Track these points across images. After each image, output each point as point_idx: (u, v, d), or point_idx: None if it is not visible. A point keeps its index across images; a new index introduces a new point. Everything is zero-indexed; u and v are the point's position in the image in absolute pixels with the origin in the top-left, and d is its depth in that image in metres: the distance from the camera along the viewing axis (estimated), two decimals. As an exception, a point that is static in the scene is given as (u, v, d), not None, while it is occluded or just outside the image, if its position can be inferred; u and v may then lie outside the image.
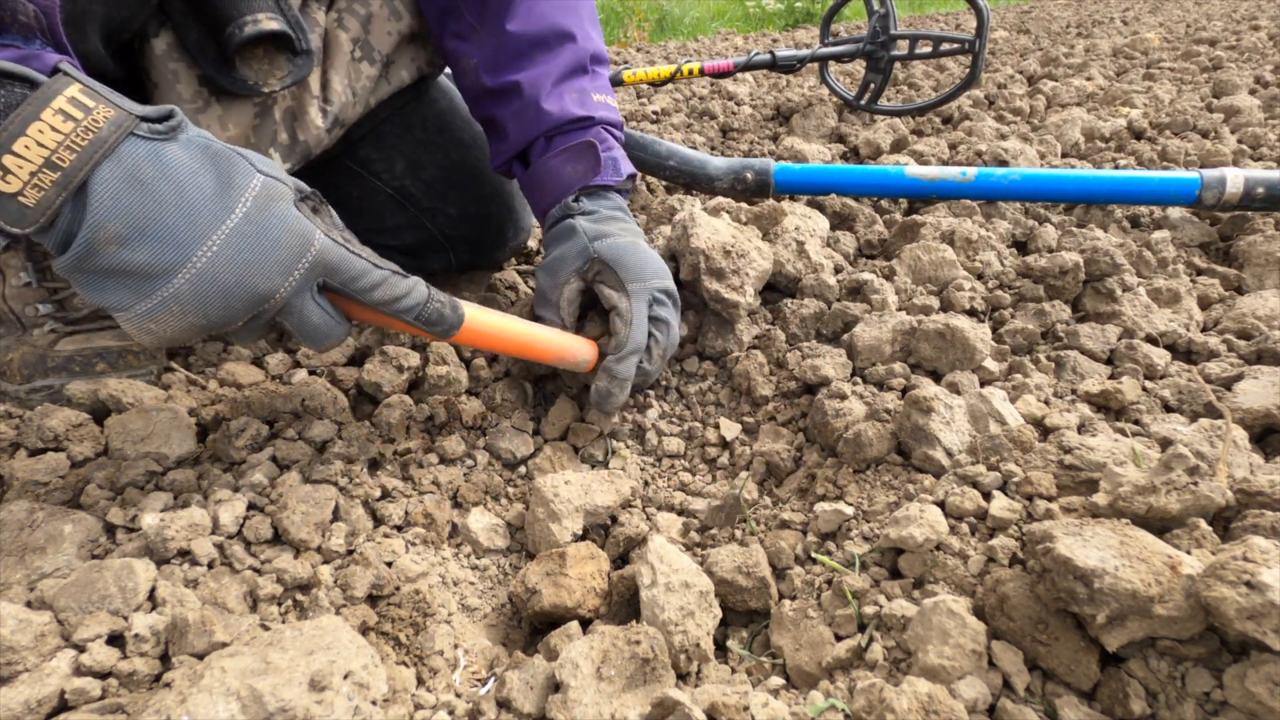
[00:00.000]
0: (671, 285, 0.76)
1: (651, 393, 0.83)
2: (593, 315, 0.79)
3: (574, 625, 0.54)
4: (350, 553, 0.58)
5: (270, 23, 0.66)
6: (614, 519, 0.66)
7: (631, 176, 0.85)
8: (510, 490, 0.71)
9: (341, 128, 0.82)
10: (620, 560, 0.64)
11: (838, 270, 0.94)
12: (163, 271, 0.46)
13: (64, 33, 0.50)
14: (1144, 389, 0.71)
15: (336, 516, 0.60)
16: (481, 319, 0.65)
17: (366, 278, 0.55)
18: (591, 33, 0.87)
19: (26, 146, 0.41)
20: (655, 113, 1.75)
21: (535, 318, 0.77)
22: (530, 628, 0.60)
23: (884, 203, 1.14)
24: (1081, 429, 0.64)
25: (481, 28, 0.84)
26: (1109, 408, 0.68)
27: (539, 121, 0.82)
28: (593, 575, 0.58)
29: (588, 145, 0.80)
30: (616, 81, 1.59)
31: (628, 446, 0.76)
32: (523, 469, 0.73)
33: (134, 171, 0.45)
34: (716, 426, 0.78)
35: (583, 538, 0.65)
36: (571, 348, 0.71)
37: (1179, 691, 0.43)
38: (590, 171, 0.80)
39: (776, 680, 0.51)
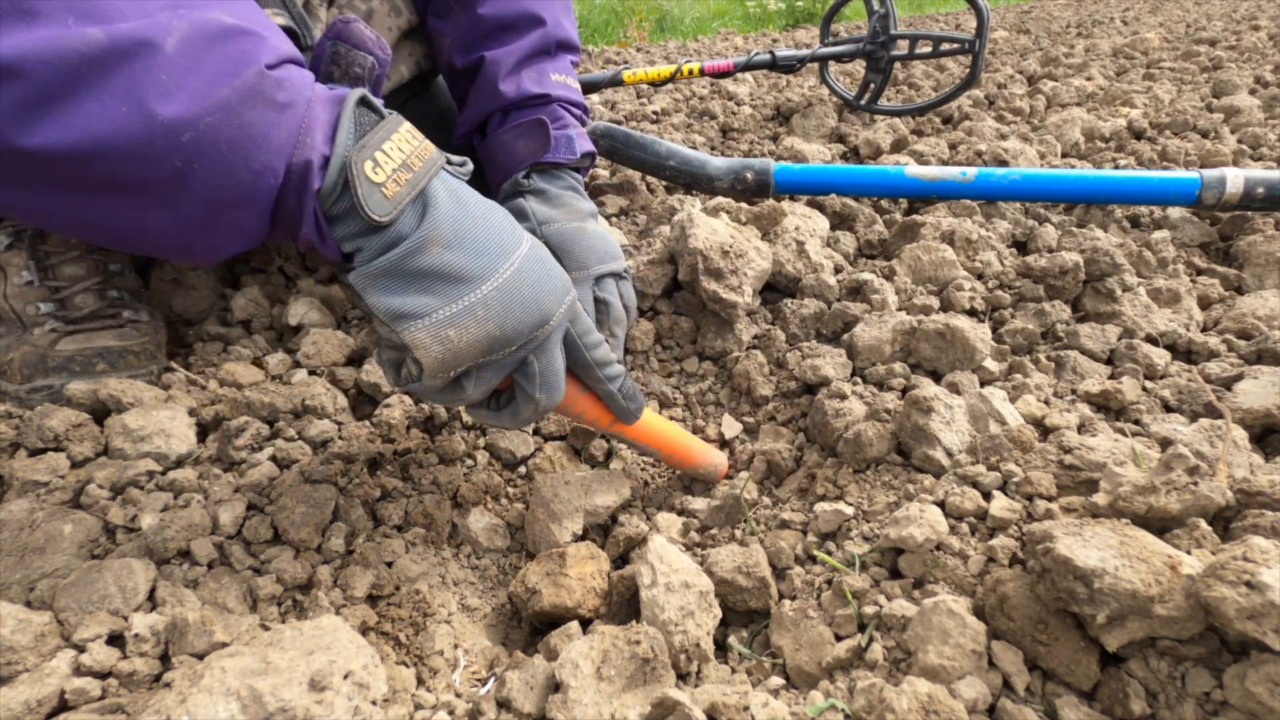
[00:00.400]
0: (617, 264, 0.78)
1: (649, 389, 0.83)
2: None
3: (574, 625, 0.54)
4: (350, 553, 0.58)
5: (277, 19, 0.67)
6: (614, 519, 0.66)
7: (589, 155, 0.86)
8: (510, 490, 0.71)
9: None
10: (620, 560, 0.64)
11: (838, 270, 0.94)
12: (475, 277, 0.48)
13: None
14: (1144, 389, 0.71)
15: (336, 516, 0.60)
16: (650, 416, 0.66)
17: (594, 334, 0.58)
18: (563, 20, 0.89)
19: (390, 149, 0.46)
20: (655, 113, 1.75)
21: None
22: (530, 628, 0.60)
23: (884, 203, 1.14)
24: (1081, 429, 0.64)
25: (457, 7, 0.86)
26: (1109, 408, 0.68)
27: (495, 97, 0.84)
28: (593, 575, 0.58)
29: (538, 122, 0.81)
30: (616, 81, 1.59)
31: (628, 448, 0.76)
32: (523, 469, 0.73)
33: (455, 190, 0.50)
34: (718, 425, 0.78)
35: (582, 538, 0.65)
36: (714, 455, 0.72)
37: (1179, 691, 0.43)
38: (540, 148, 0.81)
39: (776, 680, 0.51)
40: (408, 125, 0.49)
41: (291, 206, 0.46)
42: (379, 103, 0.49)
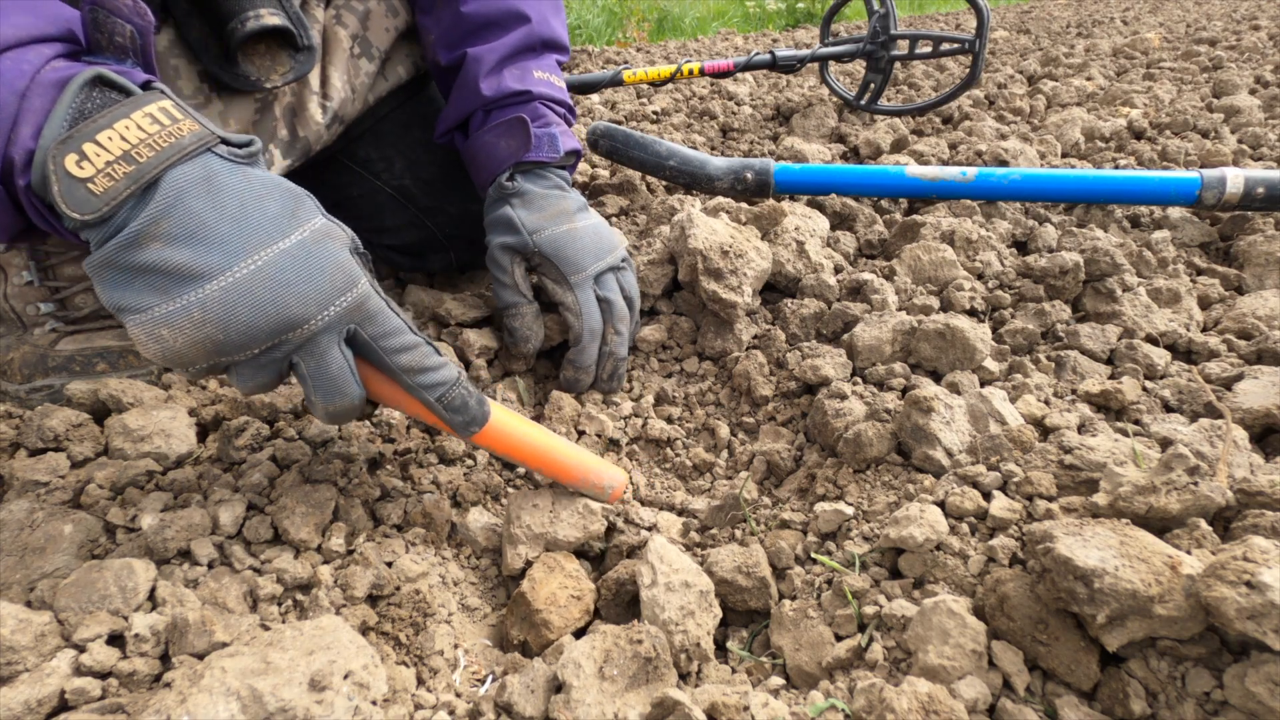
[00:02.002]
0: (615, 258, 0.78)
1: (654, 393, 0.83)
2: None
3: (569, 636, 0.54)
4: (350, 553, 0.58)
5: (272, 18, 0.67)
6: (612, 527, 0.65)
7: (574, 153, 0.84)
8: (510, 490, 0.71)
9: (341, 124, 0.83)
10: (599, 557, 0.63)
11: (838, 270, 0.94)
12: (198, 275, 0.44)
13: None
14: (1144, 389, 0.71)
15: (336, 516, 0.60)
16: (509, 424, 0.59)
17: (400, 337, 0.52)
18: (550, 19, 0.87)
19: (109, 138, 0.42)
20: (655, 113, 1.75)
21: (502, 306, 0.80)
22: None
23: (884, 203, 1.14)
24: (1081, 429, 0.64)
25: (442, 4, 0.84)
26: (1109, 408, 0.68)
27: (475, 95, 0.82)
28: (561, 587, 0.56)
29: (519, 121, 0.79)
30: (617, 81, 1.59)
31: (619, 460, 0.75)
32: (522, 469, 0.73)
33: (205, 179, 0.45)
34: (718, 425, 0.78)
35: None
36: (598, 471, 0.63)
37: (1179, 691, 0.43)
38: (521, 147, 0.79)
39: (776, 680, 0.51)
40: (158, 105, 0.45)
41: (19, 201, 0.44)
42: (133, 78, 0.46)
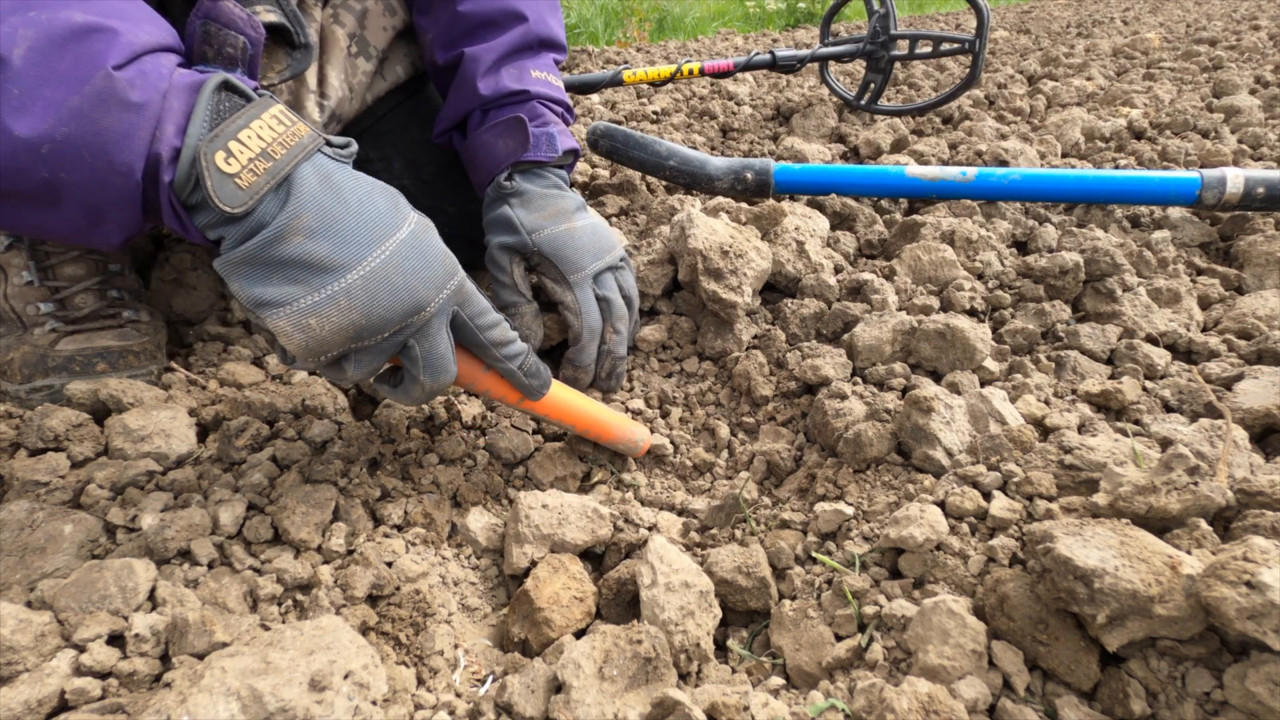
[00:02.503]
0: (613, 257, 0.78)
1: (657, 397, 0.83)
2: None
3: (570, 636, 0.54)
4: (350, 553, 0.58)
5: (268, 15, 0.67)
6: (615, 528, 0.65)
7: (572, 153, 0.84)
8: (510, 490, 0.71)
9: (338, 123, 0.83)
10: (599, 557, 0.64)
11: (838, 270, 0.94)
12: (339, 266, 0.48)
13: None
14: (1144, 389, 0.71)
15: (336, 516, 0.60)
16: (562, 391, 0.67)
17: (488, 315, 0.58)
18: (547, 18, 0.87)
19: (249, 137, 0.46)
20: (655, 113, 1.75)
21: (501, 306, 0.80)
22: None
23: (884, 203, 1.14)
24: (1081, 429, 0.64)
25: (439, 3, 0.85)
26: (1109, 408, 0.68)
27: (473, 94, 0.83)
28: (564, 588, 0.56)
29: (517, 121, 0.80)
30: (617, 81, 1.59)
31: (612, 474, 0.75)
32: (522, 469, 0.73)
33: (327, 176, 0.49)
34: (718, 425, 0.78)
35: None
36: (632, 429, 0.72)
37: (1179, 691, 0.43)
38: (519, 147, 0.80)
39: (776, 680, 0.51)
40: (277, 108, 0.48)
41: (154, 200, 0.46)
42: (248, 85, 0.49)
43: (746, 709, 0.45)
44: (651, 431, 0.78)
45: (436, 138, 0.90)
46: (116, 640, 0.47)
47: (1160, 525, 0.49)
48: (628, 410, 0.80)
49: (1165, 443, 0.61)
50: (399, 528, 0.63)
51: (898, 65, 2.17)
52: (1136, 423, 0.66)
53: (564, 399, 0.67)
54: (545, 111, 0.84)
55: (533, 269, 0.80)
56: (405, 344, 0.53)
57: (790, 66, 1.67)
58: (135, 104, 0.43)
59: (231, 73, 0.49)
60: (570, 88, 1.56)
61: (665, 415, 0.81)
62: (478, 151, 0.83)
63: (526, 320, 0.79)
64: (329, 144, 0.51)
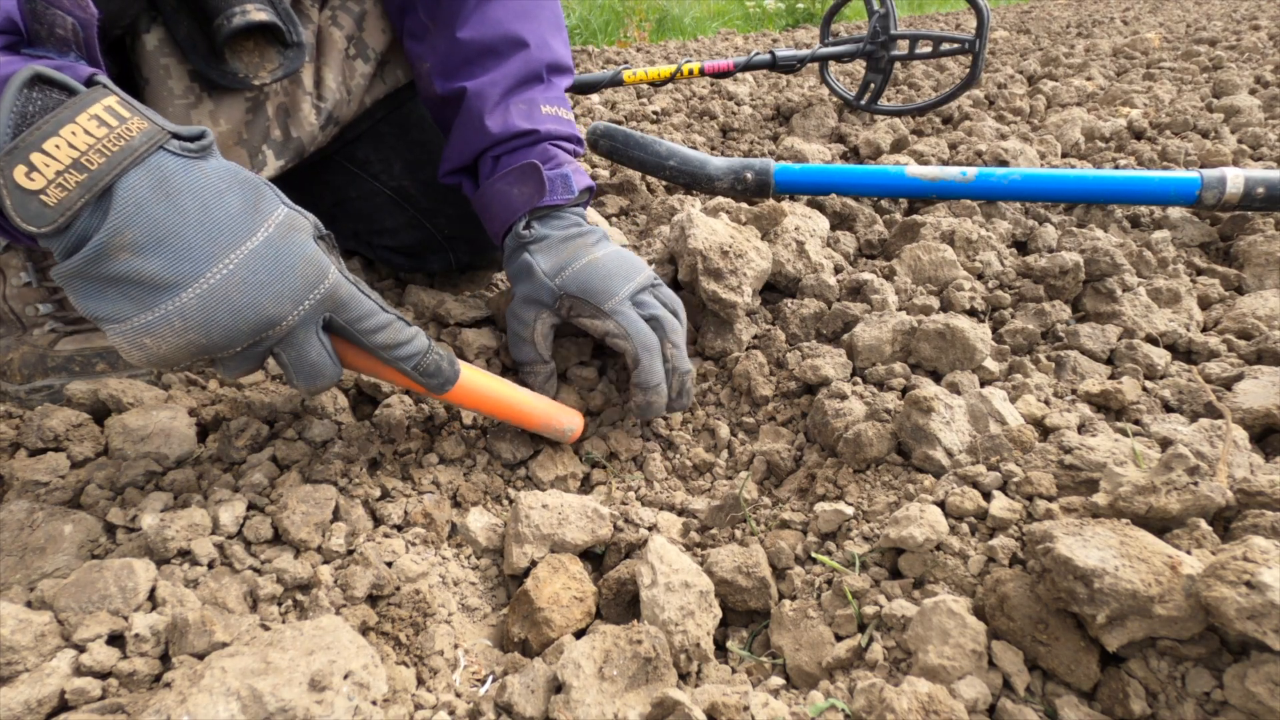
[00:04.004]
0: (645, 279, 0.75)
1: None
2: (563, 342, 0.81)
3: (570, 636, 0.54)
4: (350, 553, 0.58)
5: (259, 14, 0.66)
6: (615, 528, 0.65)
7: (589, 190, 0.82)
8: (510, 490, 0.71)
9: (336, 125, 0.82)
10: (599, 556, 0.64)
11: (838, 270, 0.94)
12: (173, 284, 0.44)
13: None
14: (1144, 389, 0.71)
15: (336, 516, 0.60)
16: (476, 380, 0.64)
17: (373, 319, 0.54)
18: (551, 41, 0.83)
19: (57, 146, 0.41)
20: (655, 113, 1.75)
21: (517, 362, 0.77)
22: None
23: (884, 203, 1.14)
24: (1081, 429, 0.64)
25: (435, 29, 0.81)
26: (1109, 408, 0.68)
27: (482, 136, 0.79)
28: (564, 588, 0.56)
29: (531, 167, 0.77)
30: (617, 81, 1.59)
31: (613, 473, 0.75)
32: (523, 469, 0.73)
33: (161, 182, 0.44)
34: (718, 425, 0.78)
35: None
36: (558, 417, 0.70)
37: (1179, 691, 0.43)
38: (536, 194, 0.77)
39: (776, 680, 0.51)
40: (103, 104, 0.43)
41: None
42: (78, 75, 0.44)
43: (746, 709, 0.45)
44: (652, 434, 0.78)
45: (443, 178, 0.86)
46: (116, 640, 0.47)
47: (1160, 525, 0.49)
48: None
49: (1165, 443, 0.61)
50: (399, 528, 0.63)
51: (898, 65, 2.17)
52: (1136, 423, 0.66)
53: (479, 388, 0.65)
54: (558, 152, 0.80)
55: (567, 318, 0.75)
56: (271, 352, 0.51)
57: (790, 66, 1.67)
58: None
59: (65, 57, 0.45)
60: (570, 88, 1.56)
61: (665, 415, 0.81)
62: (492, 201, 0.80)
63: (539, 380, 0.76)
64: (177, 137, 0.46)
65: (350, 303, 0.53)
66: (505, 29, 0.80)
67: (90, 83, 0.45)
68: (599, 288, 0.72)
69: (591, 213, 1.03)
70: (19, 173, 0.40)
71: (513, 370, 0.82)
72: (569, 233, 0.77)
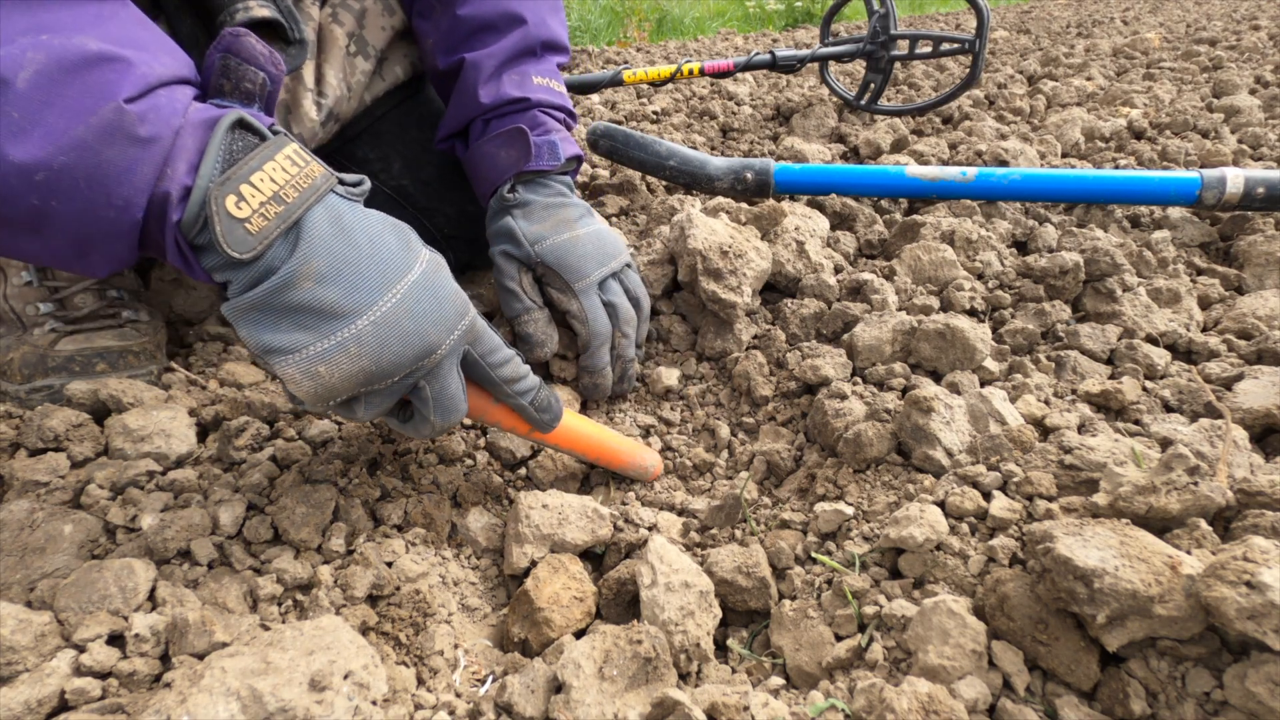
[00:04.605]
0: (618, 263, 0.78)
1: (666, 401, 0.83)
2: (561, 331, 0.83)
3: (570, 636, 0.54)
4: (350, 553, 0.58)
5: (261, 10, 0.67)
6: (615, 528, 0.65)
7: (575, 159, 0.84)
8: (510, 490, 0.71)
9: (336, 122, 0.83)
10: (599, 556, 0.64)
11: (838, 270, 0.94)
12: (349, 312, 0.47)
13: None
14: (1144, 389, 0.71)
15: (336, 516, 0.60)
16: (573, 420, 0.67)
17: (501, 353, 0.57)
18: (548, 19, 0.86)
19: (261, 180, 0.45)
20: (655, 113, 1.75)
21: (512, 313, 0.79)
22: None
23: (884, 203, 1.14)
24: (1081, 429, 0.64)
25: (439, 7, 0.84)
26: (1109, 408, 0.68)
27: (474, 102, 0.82)
28: (564, 588, 0.56)
29: (518, 131, 0.79)
30: (617, 81, 1.59)
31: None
32: (523, 469, 0.73)
33: (339, 218, 0.48)
34: (718, 425, 0.78)
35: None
36: (643, 455, 0.71)
37: (1179, 691, 0.43)
38: (522, 157, 0.79)
39: (776, 680, 0.51)
40: (292, 148, 0.47)
41: (155, 237, 0.45)
42: (264, 123, 0.48)
43: (746, 709, 0.45)
44: (650, 435, 0.78)
45: (438, 144, 0.90)
46: (116, 640, 0.47)
47: (1160, 525, 0.49)
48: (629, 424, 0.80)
49: (1165, 443, 0.61)
50: (399, 528, 0.63)
51: (898, 65, 2.17)
52: (1136, 423, 0.66)
53: (575, 428, 0.66)
54: (547, 119, 0.83)
55: (538, 279, 0.79)
56: (416, 385, 0.52)
57: (790, 66, 1.67)
58: (144, 139, 0.42)
59: (248, 109, 0.48)
60: (570, 88, 1.56)
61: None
62: (480, 162, 0.82)
63: (540, 325, 0.78)
64: (342, 182, 0.50)
65: (484, 336, 0.56)
66: (504, 6, 0.83)
67: (274, 131, 0.49)
68: (572, 265, 0.75)
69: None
70: (230, 201, 0.43)
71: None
72: (553, 201, 0.80)
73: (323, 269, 0.46)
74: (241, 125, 0.46)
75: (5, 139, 0.39)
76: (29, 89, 0.39)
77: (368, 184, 0.53)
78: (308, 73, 0.78)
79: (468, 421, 0.74)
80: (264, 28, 0.70)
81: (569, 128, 0.88)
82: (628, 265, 0.81)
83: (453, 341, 0.52)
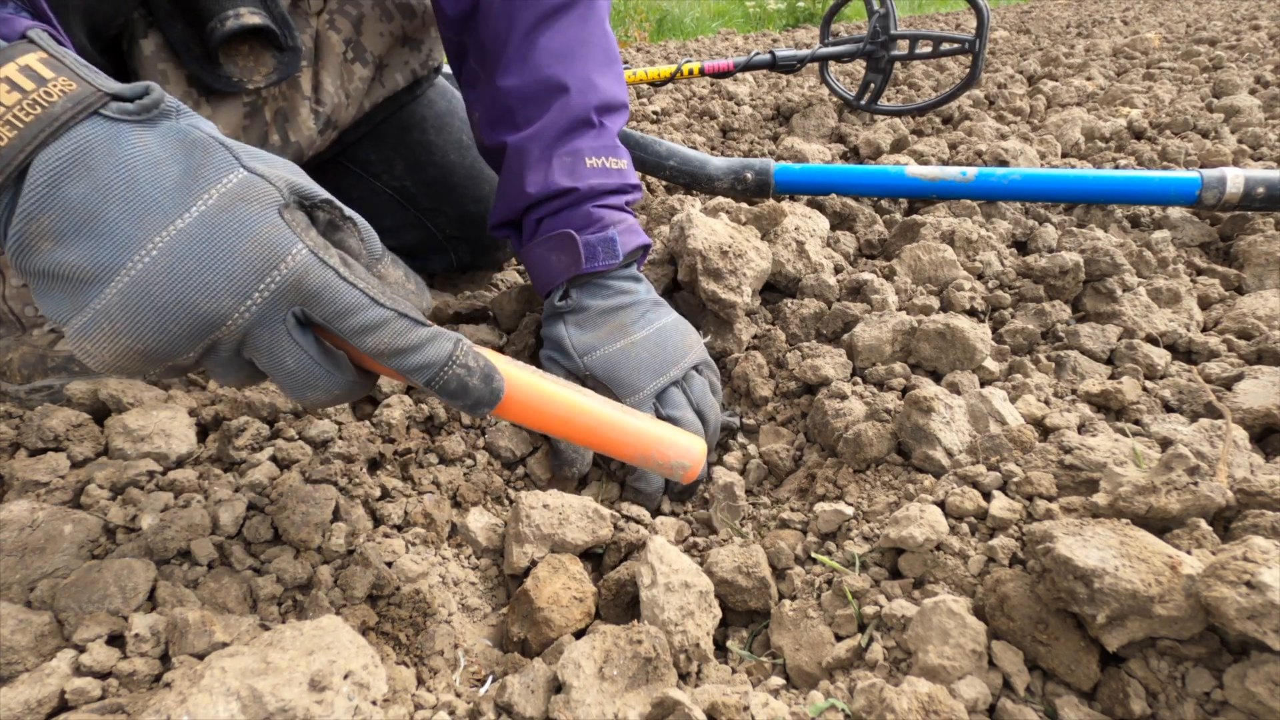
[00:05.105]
0: (680, 369, 0.70)
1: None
2: None
3: (569, 635, 0.54)
4: (350, 553, 0.58)
5: (252, 17, 0.65)
6: (616, 528, 0.65)
7: (642, 249, 0.76)
8: (510, 490, 0.71)
9: (334, 130, 0.82)
10: (598, 556, 0.64)
11: (838, 270, 0.94)
12: (95, 277, 0.36)
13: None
14: (1144, 389, 0.71)
15: (336, 516, 0.60)
16: (537, 392, 0.48)
17: (358, 315, 0.41)
18: (597, 80, 0.76)
19: None
20: (655, 113, 1.75)
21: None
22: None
23: (884, 203, 1.14)
24: (1081, 429, 0.64)
25: (483, 78, 0.77)
26: (1109, 408, 0.68)
27: (522, 196, 0.75)
28: (564, 588, 0.56)
29: (566, 238, 0.72)
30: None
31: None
32: (522, 469, 0.73)
33: (82, 155, 0.36)
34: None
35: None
36: (662, 445, 0.51)
37: (1179, 691, 0.43)
38: (573, 263, 0.72)
39: (776, 680, 0.51)
40: (21, 63, 0.36)
41: None
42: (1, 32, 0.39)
43: (746, 709, 0.45)
44: None
45: (492, 231, 0.82)
46: (116, 640, 0.47)
47: (1160, 525, 0.49)
48: None
49: (1165, 443, 0.61)
50: (399, 528, 0.63)
51: (898, 65, 2.17)
52: (1136, 423, 0.66)
53: (541, 405, 0.49)
54: (604, 214, 0.74)
55: None
56: (246, 358, 0.41)
57: (790, 66, 1.67)
58: None
59: (3, 8, 0.40)
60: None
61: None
62: (534, 265, 0.75)
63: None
64: (118, 99, 0.38)
65: (324, 294, 0.40)
66: (544, 74, 0.74)
67: (21, 37, 0.38)
68: (623, 380, 0.68)
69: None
70: None
71: None
72: (610, 304, 0.72)
73: (58, 225, 0.36)
74: None
75: None
76: None
77: (158, 96, 0.39)
78: (304, 80, 0.77)
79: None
80: (257, 35, 0.69)
81: (629, 206, 0.78)
82: (696, 368, 0.72)
83: (252, 309, 0.38)
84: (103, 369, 0.39)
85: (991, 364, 0.74)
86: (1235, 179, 0.95)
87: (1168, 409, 0.68)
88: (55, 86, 0.36)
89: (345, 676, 0.41)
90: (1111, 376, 0.74)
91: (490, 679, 0.53)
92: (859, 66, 2.34)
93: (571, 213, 0.74)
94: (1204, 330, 0.82)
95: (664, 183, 1.30)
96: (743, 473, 0.73)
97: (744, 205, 0.99)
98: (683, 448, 0.52)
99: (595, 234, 0.72)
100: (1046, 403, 0.69)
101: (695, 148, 1.49)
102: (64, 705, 0.43)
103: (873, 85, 1.66)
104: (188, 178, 0.38)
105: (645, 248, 0.76)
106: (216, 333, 0.39)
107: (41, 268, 0.36)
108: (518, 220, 0.79)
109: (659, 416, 0.67)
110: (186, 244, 0.37)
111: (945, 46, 1.59)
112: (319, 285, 0.40)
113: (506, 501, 0.70)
